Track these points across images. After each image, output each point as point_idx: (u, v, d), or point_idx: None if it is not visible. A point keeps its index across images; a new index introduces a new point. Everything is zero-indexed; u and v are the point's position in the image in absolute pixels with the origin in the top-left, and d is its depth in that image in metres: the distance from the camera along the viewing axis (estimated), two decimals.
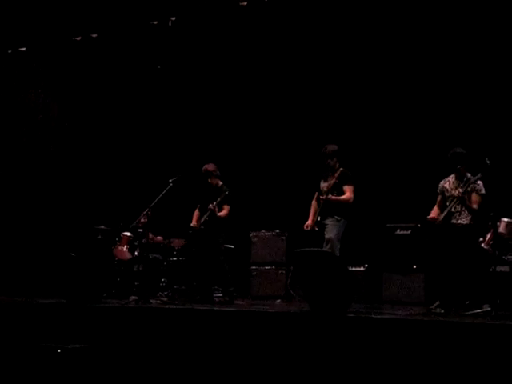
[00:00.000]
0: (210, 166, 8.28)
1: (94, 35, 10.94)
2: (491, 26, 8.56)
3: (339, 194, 7.42)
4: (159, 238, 9.40)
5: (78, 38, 11.03)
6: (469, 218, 6.91)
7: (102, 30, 10.86)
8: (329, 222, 7.38)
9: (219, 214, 8.08)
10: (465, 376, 5.04)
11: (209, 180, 8.26)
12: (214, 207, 8.00)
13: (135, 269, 8.95)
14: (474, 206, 6.87)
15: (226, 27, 10.24)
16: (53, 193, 11.18)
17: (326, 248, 7.19)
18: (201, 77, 10.56)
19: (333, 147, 7.54)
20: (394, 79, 9.21)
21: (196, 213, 8.45)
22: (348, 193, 7.41)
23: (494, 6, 8.53)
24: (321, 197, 7.47)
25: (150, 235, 8.61)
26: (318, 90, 9.69)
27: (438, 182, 7.26)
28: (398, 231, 8.52)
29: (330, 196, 7.36)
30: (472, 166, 6.98)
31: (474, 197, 6.89)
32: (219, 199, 8.03)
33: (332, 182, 7.40)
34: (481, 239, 7.04)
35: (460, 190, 6.87)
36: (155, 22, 10.56)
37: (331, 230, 7.33)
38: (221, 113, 10.40)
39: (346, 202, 7.39)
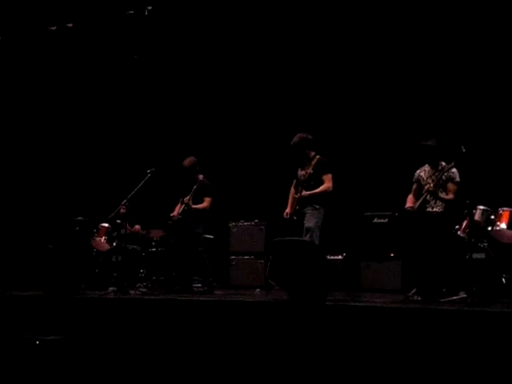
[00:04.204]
0: (187, 162, 8.14)
1: (70, 25, 10.83)
2: (464, 15, 8.64)
3: (317, 184, 7.40)
4: (137, 226, 9.38)
5: (54, 28, 10.91)
6: (443, 205, 7.00)
7: (78, 19, 10.75)
8: (308, 210, 7.37)
9: (199, 206, 8.07)
10: (442, 362, 5.10)
11: (188, 175, 8.20)
12: (187, 201, 7.99)
13: (114, 260, 8.91)
14: (450, 195, 6.97)
15: (203, 16, 10.19)
16: (30, 184, 11.08)
17: (306, 237, 7.17)
18: (178, 66, 10.51)
19: (297, 138, 7.43)
20: (369, 68, 9.24)
21: (178, 206, 8.38)
22: (327, 182, 7.38)
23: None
24: (295, 196, 7.47)
25: (128, 226, 8.58)
26: (294, 79, 9.71)
27: (415, 171, 7.33)
28: (376, 220, 8.62)
29: (304, 193, 7.36)
30: (446, 154, 7.04)
31: (450, 185, 6.98)
32: (192, 192, 8.02)
33: (309, 171, 7.40)
34: (457, 227, 7.12)
35: (431, 184, 6.95)
36: (131, 12, 10.48)
37: (310, 219, 7.32)
38: (198, 103, 10.36)
39: (325, 191, 7.39)
